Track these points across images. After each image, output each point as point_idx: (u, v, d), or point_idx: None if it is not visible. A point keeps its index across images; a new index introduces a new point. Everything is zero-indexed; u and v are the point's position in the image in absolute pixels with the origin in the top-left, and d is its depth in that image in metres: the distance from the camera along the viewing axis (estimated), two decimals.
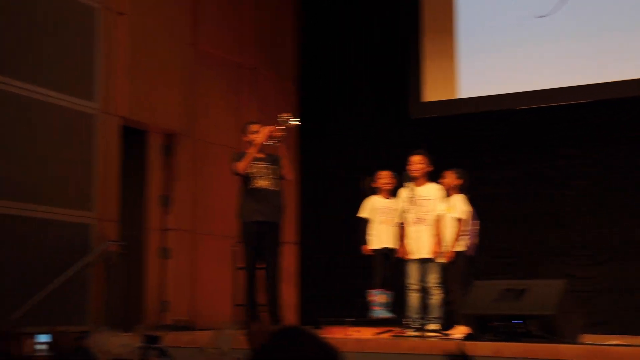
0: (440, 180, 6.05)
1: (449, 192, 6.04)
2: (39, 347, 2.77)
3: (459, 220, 5.89)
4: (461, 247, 5.89)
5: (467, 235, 5.93)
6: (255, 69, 8.19)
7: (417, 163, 6.03)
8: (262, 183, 5.90)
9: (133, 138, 6.96)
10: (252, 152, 5.79)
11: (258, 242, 5.91)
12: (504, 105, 7.56)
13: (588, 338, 4.83)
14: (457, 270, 5.85)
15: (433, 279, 5.92)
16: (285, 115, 5.82)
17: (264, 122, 6.17)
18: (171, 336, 5.20)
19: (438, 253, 5.92)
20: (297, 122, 5.84)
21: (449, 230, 5.93)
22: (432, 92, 7.78)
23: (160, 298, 6.91)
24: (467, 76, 7.71)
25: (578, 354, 4.21)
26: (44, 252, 5.62)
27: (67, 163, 5.88)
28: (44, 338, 2.79)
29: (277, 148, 5.89)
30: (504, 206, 7.62)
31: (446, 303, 5.98)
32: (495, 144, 7.74)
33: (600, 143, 7.30)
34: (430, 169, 6.08)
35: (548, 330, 4.53)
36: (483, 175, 7.67)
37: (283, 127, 5.80)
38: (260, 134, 5.81)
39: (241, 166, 5.80)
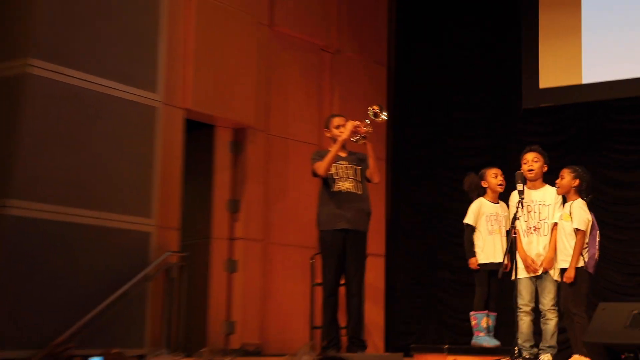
0: (557, 182, 5.83)
1: (567, 195, 5.81)
2: None
3: (578, 231, 5.64)
4: (580, 262, 5.65)
5: (586, 248, 5.69)
6: (339, 52, 8.17)
7: (533, 162, 5.85)
8: (345, 186, 5.88)
9: (198, 133, 7.00)
10: (334, 150, 5.77)
11: (340, 253, 5.87)
12: (636, 92, 7.23)
13: None
14: (577, 291, 5.61)
15: (549, 299, 5.71)
16: (374, 107, 5.77)
17: (349, 115, 6.15)
18: None
19: (550, 269, 5.73)
20: (386, 117, 5.77)
21: (567, 244, 5.69)
22: (549, 77, 7.53)
23: (226, 318, 6.95)
24: (592, 58, 7.42)
25: None
26: (97, 264, 5.69)
27: (124, 162, 5.94)
28: None
29: (363, 146, 5.85)
30: (635, 211, 7.30)
31: (562, 329, 5.78)
32: (624, 138, 7.43)
33: None
34: (546, 168, 5.90)
35: None
36: (610, 174, 7.41)
37: (370, 121, 5.75)
38: (344, 130, 5.80)
39: (322, 167, 5.80)
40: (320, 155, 6.00)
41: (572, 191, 5.79)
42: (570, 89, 7.41)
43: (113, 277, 5.72)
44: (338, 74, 8.11)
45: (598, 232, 5.78)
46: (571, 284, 5.61)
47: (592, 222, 5.74)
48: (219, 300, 6.93)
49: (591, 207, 5.83)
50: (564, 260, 5.69)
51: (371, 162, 5.87)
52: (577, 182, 5.77)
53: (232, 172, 7.19)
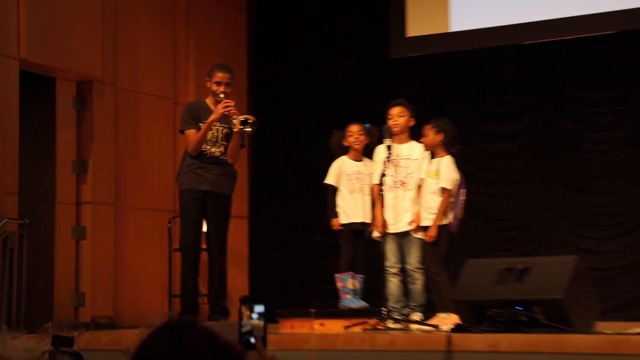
0: (422, 140, 6.09)
1: (434, 153, 6.09)
2: None
3: (445, 190, 5.95)
4: (444, 221, 5.98)
5: (450, 206, 6.01)
6: None
7: (398, 116, 6.08)
8: (211, 150, 5.97)
9: (36, 87, 6.83)
10: (203, 131, 5.90)
11: (200, 215, 5.94)
12: (507, 40, 7.58)
13: (605, 326, 4.91)
14: (438, 250, 5.94)
15: (415, 259, 6.00)
16: (248, 117, 5.84)
17: (207, 65, 6.20)
18: (88, 336, 5.22)
19: (418, 226, 5.99)
20: (250, 130, 5.84)
21: (431, 202, 5.99)
22: (416, 26, 7.75)
23: (74, 289, 6.89)
24: (461, 4, 7.69)
25: (592, 346, 4.29)
26: None
27: None
28: None
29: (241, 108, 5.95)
30: (504, 165, 7.71)
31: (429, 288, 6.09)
32: (495, 88, 7.77)
33: (628, 86, 7.35)
34: (412, 123, 6.13)
35: (556, 317, 4.61)
36: (482, 127, 7.73)
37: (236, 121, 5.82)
38: (217, 109, 5.87)
39: (192, 147, 5.91)
40: (192, 112, 6.01)
41: (439, 146, 6.07)
42: (437, 37, 7.67)
43: None
44: (193, 21, 8.04)
45: (464, 190, 6.10)
46: (432, 243, 5.93)
47: (460, 180, 6.05)
48: (66, 270, 6.85)
49: (461, 161, 6.13)
50: (427, 218, 6.00)
51: (231, 145, 5.96)
52: (440, 136, 6.05)
53: (77, 130, 7.07)
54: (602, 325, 4.91)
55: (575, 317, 4.66)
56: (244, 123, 5.78)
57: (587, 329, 4.66)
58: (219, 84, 5.95)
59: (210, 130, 5.93)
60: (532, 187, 7.60)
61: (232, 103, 5.83)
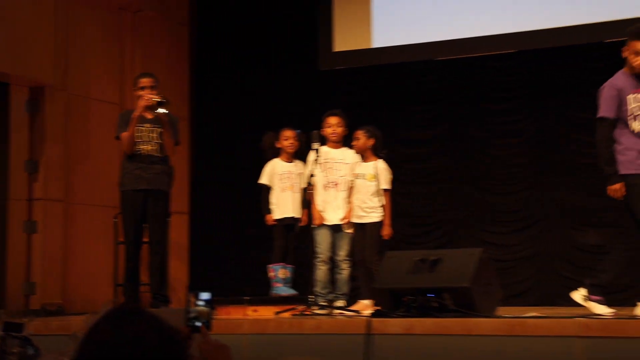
0: (353, 143, 6.12)
1: (364, 156, 6.11)
2: None
3: (387, 191, 6.02)
4: (377, 218, 6.02)
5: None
6: (139, 11, 8.01)
7: (335, 125, 6.11)
8: (145, 148, 5.89)
9: None
10: (131, 129, 5.85)
11: (140, 213, 5.88)
12: (423, 56, 7.67)
13: (506, 311, 5.04)
14: (377, 241, 5.97)
15: (344, 251, 6.04)
16: (161, 98, 5.80)
17: (149, 71, 6.17)
18: (38, 323, 5.13)
19: (349, 222, 6.02)
20: (165, 111, 5.81)
21: (368, 202, 6.03)
22: (342, 41, 7.80)
23: (25, 279, 6.76)
24: (382, 23, 7.76)
25: (494, 328, 4.40)
26: None
27: None
28: None
29: (173, 107, 5.90)
30: (420, 167, 7.82)
31: (353, 278, 6.13)
32: (412, 99, 7.87)
33: (527, 98, 7.53)
34: (346, 132, 6.17)
35: (463, 303, 4.69)
36: (398, 133, 7.82)
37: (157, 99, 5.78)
38: (138, 104, 5.80)
39: (125, 145, 5.87)
40: (125, 119, 5.95)
41: (369, 150, 6.11)
42: (361, 52, 7.73)
43: None
44: (140, 33, 7.95)
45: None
46: (372, 236, 5.97)
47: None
48: (18, 261, 6.71)
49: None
50: (365, 216, 6.04)
51: (164, 141, 5.92)
52: (372, 141, 6.11)
53: (30, 132, 6.92)
54: (503, 310, 5.03)
55: (480, 303, 4.75)
56: (159, 104, 5.80)
57: (490, 314, 4.75)
58: (143, 88, 5.94)
59: (143, 129, 5.86)
60: (444, 187, 7.72)
61: (149, 95, 5.81)
